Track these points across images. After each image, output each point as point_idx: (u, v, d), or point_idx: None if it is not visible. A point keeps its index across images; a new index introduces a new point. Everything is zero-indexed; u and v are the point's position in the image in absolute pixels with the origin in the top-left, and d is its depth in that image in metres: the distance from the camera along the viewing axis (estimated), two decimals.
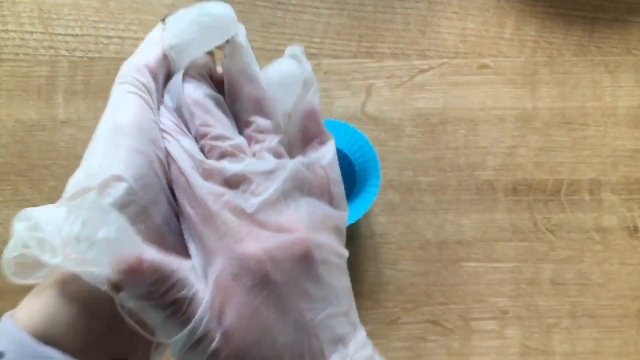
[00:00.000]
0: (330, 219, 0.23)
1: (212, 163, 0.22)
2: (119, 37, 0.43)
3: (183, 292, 0.19)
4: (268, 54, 0.43)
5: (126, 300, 0.19)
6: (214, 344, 0.20)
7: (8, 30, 0.42)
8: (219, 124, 0.23)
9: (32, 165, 0.42)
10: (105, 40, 0.42)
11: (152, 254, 0.19)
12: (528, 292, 0.42)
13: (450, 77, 0.43)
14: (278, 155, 0.23)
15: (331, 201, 0.23)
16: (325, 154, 0.24)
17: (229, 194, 0.21)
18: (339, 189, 0.24)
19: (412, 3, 0.43)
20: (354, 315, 0.23)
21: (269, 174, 0.22)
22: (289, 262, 0.21)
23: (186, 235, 0.22)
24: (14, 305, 0.43)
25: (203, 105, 0.23)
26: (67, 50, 0.42)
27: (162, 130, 0.23)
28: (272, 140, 0.23)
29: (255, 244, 0.20)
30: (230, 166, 0.22)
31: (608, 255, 0.43)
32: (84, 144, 0.44)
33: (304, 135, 0.24)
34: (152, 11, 0.43)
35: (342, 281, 0.23)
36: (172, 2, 0.43)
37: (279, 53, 0.43)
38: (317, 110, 0.25)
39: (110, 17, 0.43)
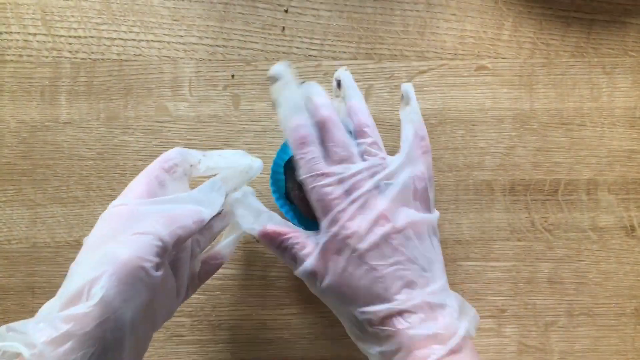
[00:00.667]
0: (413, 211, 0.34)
1: (333, 168, 0.33)
2: (122, 39, 0.43)
3: (294, 246, 0.33)
4: (268, 55, 0.43)
5: (266, 247, 0.34)
6: (318, 279, 0.33)
7: (11, 32, 0.43)
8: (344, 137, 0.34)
9: (35, 166, 0.43)
10: (107, 42, 0.43)
11: (272, 227, 0.34)
12: (526, 291, 0.43)
13: (449, 78, 0.43)
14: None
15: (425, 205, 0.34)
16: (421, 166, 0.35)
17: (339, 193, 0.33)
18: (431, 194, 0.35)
19: (411, 5, 0.43)
20: (436, 274, 0.33)
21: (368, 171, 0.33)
22: (368, 234, 0.32)
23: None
24: (17, 304, 0.43)
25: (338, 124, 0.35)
26: (70, 52, 0.43)
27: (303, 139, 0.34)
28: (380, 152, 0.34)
29: (351, 222, 0.32)
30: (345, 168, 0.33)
31: (605, 255, 0.43)
32: (87, 144, 0.45)
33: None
34: (153, 13, 0.43)
35: (418, 250, 0.33)
36: (174, 5, 0.43)
37: (279, 54, 0.43)
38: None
39: (113, 19, 0.43)
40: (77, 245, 0.42)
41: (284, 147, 0.39)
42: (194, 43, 0.43)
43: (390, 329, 0.31)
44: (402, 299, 0.31)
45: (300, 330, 0.43)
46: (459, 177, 0.43)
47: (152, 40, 0.43)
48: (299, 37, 0.43)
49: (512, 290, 0.43)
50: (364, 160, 0.34)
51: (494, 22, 0.44)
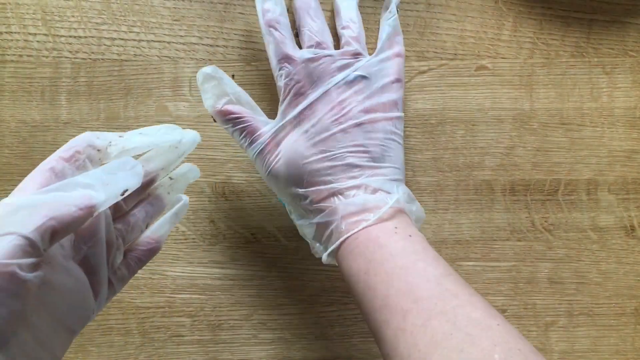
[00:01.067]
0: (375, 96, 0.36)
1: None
2: (122, 39, 0.43)
3: (247, 126, 0.36)
4: None
5: (221, 124, 0.37)
6: (267, 160, 0.35)
7: (11, 32, 0.43)
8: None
9: (35, 166, 0.42)
10: (107, 42, 0.43)
11: (229, 107, 0.36)
12: (526, 290, 0.43)
13: (449, 78, 0.43)
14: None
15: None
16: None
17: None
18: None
19: (411, 5, 0.44)
20: (387, 168, 0.35)
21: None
22: (324, 118, 0.34)
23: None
24: None
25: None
26: (70, 52, 0.43)
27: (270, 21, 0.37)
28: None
29: (309, 110, 0.35)
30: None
31: (605, 255, 0.43)
32: None
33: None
34: (154, 13, 0.43)
35: (373, 143, 0.34)
36: (174, 5, 0.43)
37: None
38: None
39: (113, 19, 0.43)
40: None
41: None
42: (194, 43, 0.43)
43: (328, 205, 0.34)
44: (344, 181, 0.34)
45: (300, 330, 0.43)
46: (459, 177, 0.43)
47: (153, 41, 0.43)
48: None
49: (512, 290, 0.43)
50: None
51: (494, 22, 0.44)
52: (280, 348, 0.43)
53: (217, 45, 0.43)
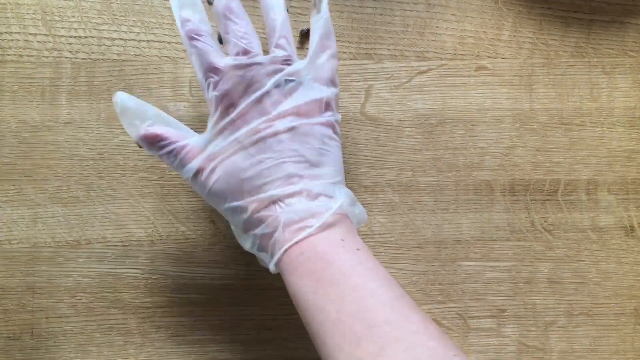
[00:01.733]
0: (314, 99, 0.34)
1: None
2: (122, 39, 0.43)
3: (177, 147, 0.34)
4: None
5: (148, 150, 0.35)
6: (203, 177, 0.34)
7: (12, 32, 0.43)
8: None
9: (36, 166, 0.43)
10: (108, 42, 0.43)
11: (153, 130, 0.34)
12: (525, 290, 0.43)
13: (449, 78, 0.43)
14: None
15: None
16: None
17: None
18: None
19: (411, 5, 0.44)
20: (326, 171, 0.34)
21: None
22: (257, 127, 0.33)
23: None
24: (17, 304, 0.43)
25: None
26: (70, 52, 0.43)
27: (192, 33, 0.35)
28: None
29: (241, 120, 0.33)
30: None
31: (605, 255, 0.43)
32: (87, 144, 0.45)
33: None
34: (154, 13, 0.43)
35: (309, 148, 0.33)
36: None
37: None
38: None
39: (113, 19, 0.43)
40: (77, 245, 0.42)
41: None
42: None
43: (269, 214, 0.33)
44: (283, 187, 0.33)
45: (300, 330, 0.43)
46: (459, 177, 0.43)
47: (153, 41, 0.43)
48: (299, 37, 0.43)
49: (512, 290, 0.43)
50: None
51: (494, 23, 0.44)
52: (280, 348, 0.43)
53: None
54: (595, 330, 0.43)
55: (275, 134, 0.33)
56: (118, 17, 0.43)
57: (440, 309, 0.43)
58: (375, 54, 0.43)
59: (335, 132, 0.35)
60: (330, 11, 0.43)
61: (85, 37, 0.43)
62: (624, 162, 0.43)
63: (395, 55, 0.43)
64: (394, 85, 0.43)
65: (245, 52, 0.34)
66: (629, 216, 0.43)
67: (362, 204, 0.42)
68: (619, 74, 0.44)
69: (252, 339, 0.43)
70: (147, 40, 0.43)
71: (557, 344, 0.43)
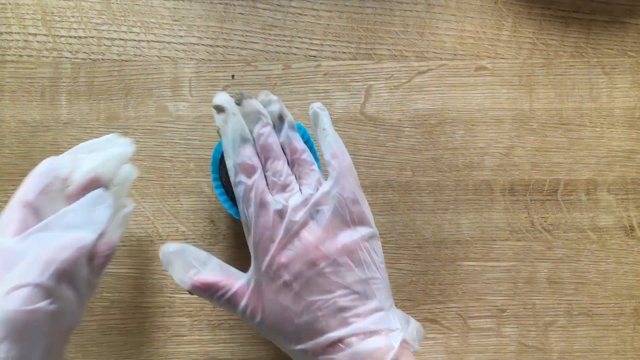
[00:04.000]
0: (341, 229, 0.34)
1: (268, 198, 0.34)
2: (122, 39, 0.43)
3: (226, 292, 0.34)
4: (268, 56, 0.43)
5: (200, 296, 0.35)
6: (256, 318, 0.33)
7: (12, 32, 0.43)
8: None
9: (36, 166, 0.43)
10: (107, 43, 0.43)
11: (200, 279, 0.34)
12: (525, 290, 0.43)
13: (449, 78, 0.43)
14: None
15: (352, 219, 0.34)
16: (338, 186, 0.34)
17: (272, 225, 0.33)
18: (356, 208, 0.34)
19: (411, 5, 0.44)
20: (373, 296, 0.33)
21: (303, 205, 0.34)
22: (300, 266, 0.32)
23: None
24: None
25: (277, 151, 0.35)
26: (70, 52, 0.43)
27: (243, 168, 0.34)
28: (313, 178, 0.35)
29: (282, 258, 0.33)
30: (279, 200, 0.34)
31: (604, 255, 0.43)
32: None
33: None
34: (154, 14, 0.43)
35: (354, 275, 0.33)
36: (174, 5, 0.43)
37: (280, 55, 0.43)
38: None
39: (113, 19, 0.43)
40: None
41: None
42: (194, 43, 0.43)
43: (332, 356, 0.32)
44: (340, 329, 0.32)
45: None
46: (459, 177, 0.43)
47: (153, 41, 0.43)
48: (299, 37, 0.43)
49: (512, 290, 0.43)
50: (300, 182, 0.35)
51: (494, 23, 0.44)
52: None
53: (217, 46, 0.43)
54: (595, 330, 0.43)
55: (318, 268, 0.33)
56: (118, 17, 0.43)
57: (440, 309, 0.43)
58: (375, 54, 0.43)
59: (377, 252, 0.34)
60: (330, 11, 0.43)
61: (85, 37, 0.43)
62: (623, 162, 0.43)
63: (395, 56, 0.43)
64: (394, 86, 0.43)
65: (283, 188, 0.34)
66: (628, 216, 0.43)
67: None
68: (618, 74, 0.44)
69: (252, 339, 0.43)
70: (147, 41, 0.43)
71: (557, 344, 0.43)
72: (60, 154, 0.42)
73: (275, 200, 0.34)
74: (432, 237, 0.43)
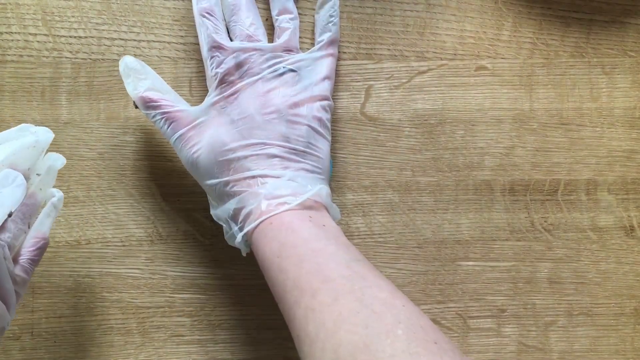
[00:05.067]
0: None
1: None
2: (122, 39, 0.43)
3: (171, 111, 0.36)
4: None
5: (143, 111, 0.37)
6: (192, 149, 0.36)
7: (12, 32, 0.43)
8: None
9: None
10: (108, 43, 0.43)
11: (151, 93, 0.37)
12: (525, 290, 0.43)
13: (449, 78, 0.43)
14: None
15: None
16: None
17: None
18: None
19: (411, 5, 0.44)
20: (309, 162, 0.35)
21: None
22: (252, 109, 0.35)
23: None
24: (18, 303, 0.43)
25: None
26: (70, 52, 0.43)
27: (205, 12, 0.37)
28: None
29: (235, 97, 0.36)
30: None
31: (604, 255, 0.43)
32: (87, 144, 0.45)
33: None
34: (154, 14, 0.43)
35: (298, 135, 0.35)
36: (174, 5, 0.43)
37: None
38: None
39: (113, 19, 0.43)
40: (77, 245, 0.42)
41: None
42: (194, 43, 0.43)
43: (248, 189, 0.34)
44: (266, 169, 0.34)
45: None
46: (459, 177, 0.43)
47: (153, 41, 0.43)
48: (299, 37, 0.43)
49: (512, 290, 0.43)
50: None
51: (494, 23, 0.44)
52: (280, 348, 0.43)
53: None
54: (595, 330, 0.43)
55: (267, 119, 0.35)
56: (118, 17, 0.43)
57: (440, 309, 0.43)
58: (375, 54, 0.43)
59: (326, 128, 0.37)
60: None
61: (85, 37, 0.43)
62: (623, 162, 0.43)
63: (395, 56, 0.43)
64: (394, 86, 0.43)
65: (249, 37, 0.37)
66: (628, 216, 0.43)
67: (362, 204, 0.43)
68: (618, 74, 0.44)
69: (252, 339, 0.43)
70: (147, 40, 0.43)
71: (557, 344, 0.43)
72: (60, 154, 0.42)
73: (235, 44, 0.36)
74: (432, 237, 0.43)
